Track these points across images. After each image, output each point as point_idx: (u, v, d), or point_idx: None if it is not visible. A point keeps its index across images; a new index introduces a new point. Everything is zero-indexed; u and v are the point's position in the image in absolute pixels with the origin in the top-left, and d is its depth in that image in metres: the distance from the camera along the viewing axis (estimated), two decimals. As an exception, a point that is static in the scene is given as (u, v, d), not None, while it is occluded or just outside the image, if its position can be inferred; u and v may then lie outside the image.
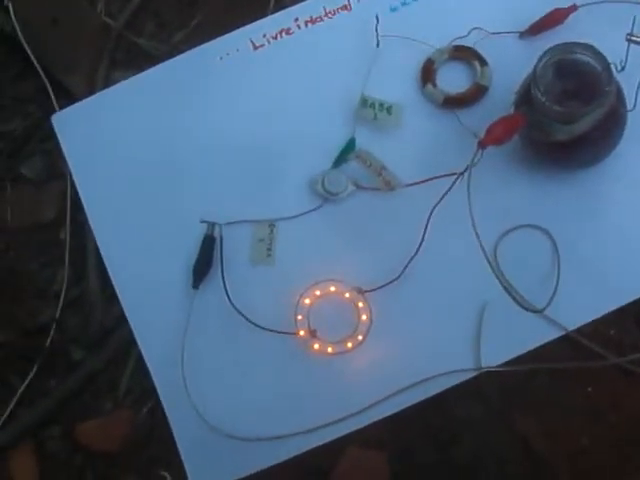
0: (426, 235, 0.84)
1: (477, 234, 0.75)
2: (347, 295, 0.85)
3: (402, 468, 0.82)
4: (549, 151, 0.82)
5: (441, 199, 0.83)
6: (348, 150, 0.89)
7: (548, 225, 0.85)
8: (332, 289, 0.85)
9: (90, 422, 0.89)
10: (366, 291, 0.84)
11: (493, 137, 0.77)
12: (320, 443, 0.83)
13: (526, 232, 0.85)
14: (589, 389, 0.82)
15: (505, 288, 0.77)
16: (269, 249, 0.88)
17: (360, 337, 0.84)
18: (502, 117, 0.79)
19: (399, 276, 0.84)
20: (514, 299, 0.76)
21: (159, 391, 0.87)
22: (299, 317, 0.85)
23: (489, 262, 0.76)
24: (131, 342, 0.89)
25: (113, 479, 0.88)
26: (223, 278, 0.87)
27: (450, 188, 0.82)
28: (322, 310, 0.85)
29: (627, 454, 0.80)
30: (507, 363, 0.82)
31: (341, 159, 0.89)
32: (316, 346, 0.84)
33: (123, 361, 0.90)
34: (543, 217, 0.86)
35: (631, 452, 0.80)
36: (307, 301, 0.85)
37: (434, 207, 0.83)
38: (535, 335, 0.83)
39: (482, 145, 0.76)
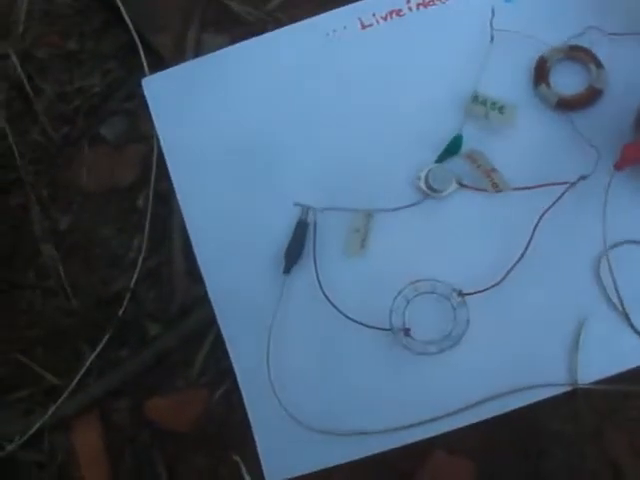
0: (532, 242, 0.82)
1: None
2: (446, 296, 0.83)
3: (488, 477, 0.81)
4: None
5: (551, 206, 0.81)
6: (454, 147, 0.86)
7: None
8: (431, 288, 0.83)
9: (161, 399, 0.87)
10: (466, 294, 0.82)
11: (629, 159, 0.74)
12: (404, 443, 0.82)
13: (633, 249, 0.83)
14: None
15: (612, 303, 0.75)
16: (364, 240, 0.86)
17: (455, 340, 0.82)
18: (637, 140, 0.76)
19: (501, 281, 0.82)
20: (621, 314, 0.75)
21: (238, 375, 0.85)
22: (394, 314, 0.82)
23: (597, 275, 0.75)
24: (210, 322, 0.86)
25: (181, 460, 0.86)
26: (315, 266, 0.84)
27: (560, 196, 0.80)
28: (418, 308, 0.83)
29: None
30: (604, 381, 0.80)
31: (445, 155, 0.86)
32: (409, 344, 0.82)
33: (200, 341, 0.88)
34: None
35: None
36: (404, 297, 0.83)
37: (542, 214, 0.81)
38: (635, 355, 0.81)
39: (618, 167, 0.74)
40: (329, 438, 0.83)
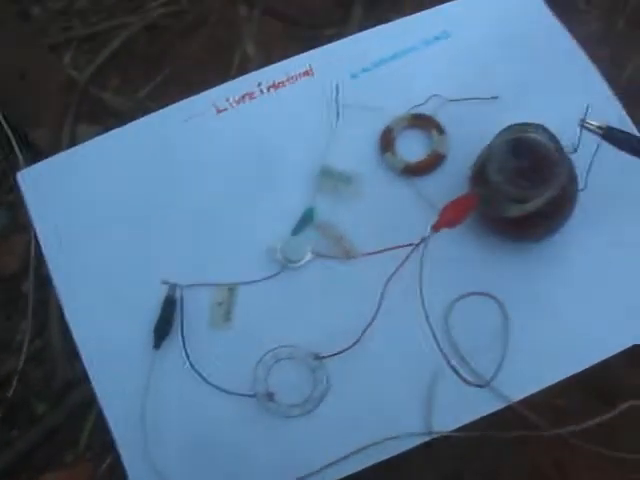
0: (382, 303, 0.87)
1: (424, 306, 0.79)
2: (304, 360, 0.87)
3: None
4: (501, 226, 0.85)
5: (396, 270, 0.86)
6: (307, 219, 0.92)
7: (499, 294, 0.88)
8: (290, 354, 0.87)
9: (50, 475, 0.90)
10: (323, 357, 0.86)
11: (446, 220, 0.79)
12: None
13: (478, 300, 0.88)
14: (534, 456, 0.85)
15: (448, 363, 0.80)
16: (228, 312, 0.90)
17: (316, 401, 0.86)
18: (454, 200, 0.81)
19: (354, 344, 0.86)
20: (457, 374, 0.80)
21: (119, 448, 0.88)
22: (257, 380, 0.87)
23: (434, 336, 0.80)
24: (93, 397, 0.90)
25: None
26: (183, 340, 0.89)
27: (405, 260, 0.85)
28: (280, 374, 0.87)
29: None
30: (458, 429, 0.84)
31: (300, 227, 0.92)
32: (273, 409, 0.86)
33: (84, 415, 0.91)
34: (495, 286, 0.88)
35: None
36: (264, 365, 0.87)
37: (390, 277, 0.86)
38: (482, 405, 0.85)
39: (435, 229, 0.79)
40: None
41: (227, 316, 0.90)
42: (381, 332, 0.87)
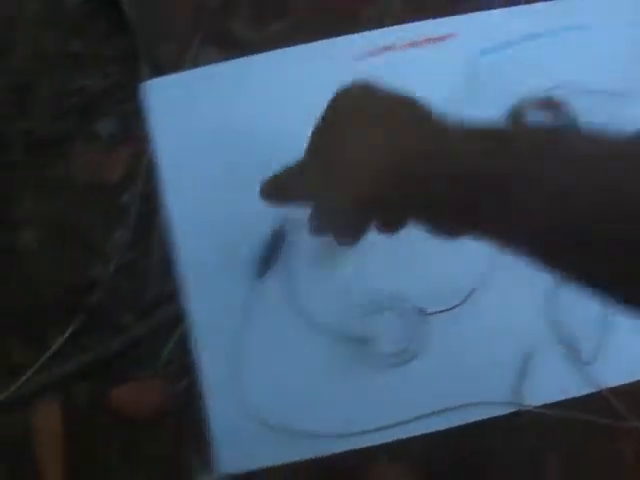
0: (494, 267, 0.87)
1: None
2: (409, 312, 0.87)
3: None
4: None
5: None
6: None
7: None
8: (394, 305, 0.87)
9: (124, 386, 0.90)
10: (428, 313, 0.86)
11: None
12: (351, 448, 0.85)
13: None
14: (618, 445, 0.85)
15: (561, 336, 0.80)
16: (335, 252, 0.90)
17: (412, 355, 0.86)
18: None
19: (462, 302, 0.86)
20: (564, 346, 0.80)
21: (200, 371, 0.88)
22: (357, 325, 0.87)
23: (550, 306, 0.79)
24: (179, 317, 0.89)
25: (137, 446, 0.88)
26: (288, 273, 0.89)
27: None
28: (381, 322, 0.87)
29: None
30: (546, 406, 0.85)
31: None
32: (368, 355, 0.86)
33: (168, 334, 0.91)
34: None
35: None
36: (367, 311, 0.87)
37: None
38: (577, 385, 0.85)
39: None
40: (281, 436, 0.86)
41: (335, 256, 0.90)
42: (489, 296, 0.87)
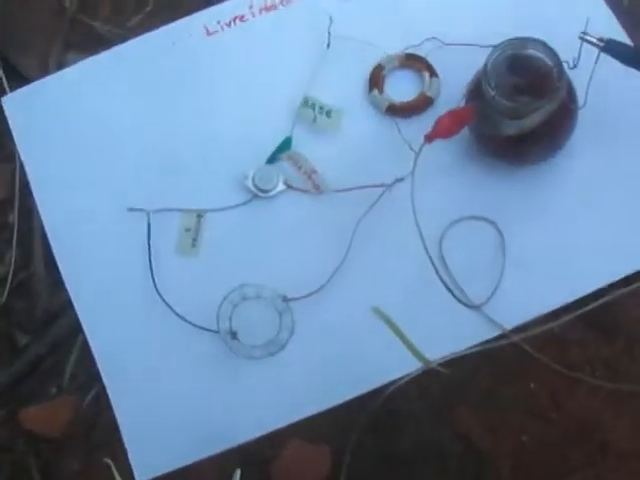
0: (354, 242, 0.84)
1: (420, 233, 0.75)
2: (271, 301, 0.84)
3: (344, 460, 0.82)
4: (498, 146, 0.82)
5: (368, 210, 0.84)
6: (283, 149, 0.89)
7: (495, 218, 0.85)
8: (257, 293, 0.84)
9: (34, 407, 0.88)
10: (290, 299, 0.84)
11: (440, 130, 0.77)
12: (260, 434, 0.83)
13: (472, 224, 0.85)
14: (531, 386, 0.82)
15: (443, 282, 0.77)
16: (195, 239, 0.88)
17: (280, 345, 0.84)
18: (450, 110, 0.78)
19: (323, 286, 0.84)
20: (452, 294, 0.77)
21: (104, 378, 0.86)
22: (221, 317, 0.84)
23: (428, 254, 0.76)
24: (76, 328, 0.88)
25: (56, 465, 0.87)
26: (151, 267, 0.87)
27: (377, 200, 0.84)
28: (245, 312, 0.84)
29: (565, 454, 0.80)
30: (450, 360, 0.81)
31: (275, 157, 0.89)
32: (235, 348, 0.84)
33: (68, 347, 0.89)
34: (491, 210, 0.85)
35: (569, 452, 0.80)
36: (230, 302, 0.84)
37: (362, 217, 0.84)
38: (475, 332, 0.82)
39: (428, 139, 0.76)
40: (192, 434, 0.84)
41: (194, 243, 0.88)
42: (351, 274, 0.84)
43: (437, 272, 0.78)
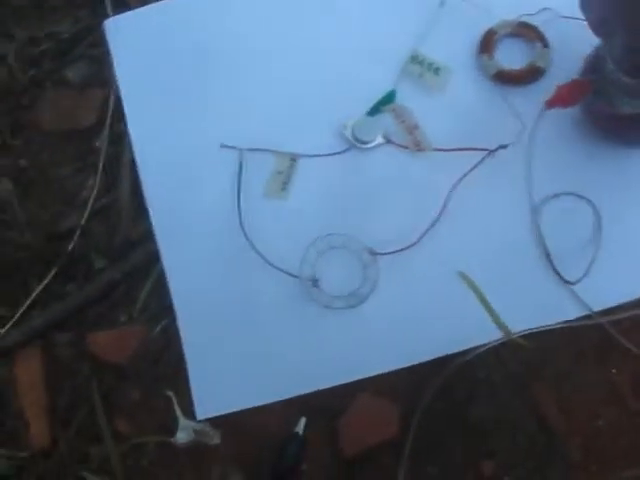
0: (448, 205, 0.83)
1: (531, 197, 0.74)
2: (358, 253, 0.83)
3: (412, 421, 0.81)
4: (610, 124, 0.81)
5: (467, 173, 0.83)
6: (386, 101, 0.88)
7: (596, 198, 0.83)
8: (344, 243, 0.83)
9: (102, 332, 0.88)
10: (378, 253, 0.83)
11: (560, 98, 0.75)
12: (330, 385, 0.82)
13: (572, 201, 0.84)
14: (613, 371, 0.80)
15: (544, 254, 0.76)
16: (285, 183, 0.87)
17: (362, 298, 0.83)
18: (569, 81, 0.77)
19: (413, 244, 0.82)
20: (551, 265, 0.76)
21: (176, 310, 0.86)
22: (305, 263, 0.83)
23: (536, 222, 0.75)
24: (153, 259, 0.87)
25: (118, 392, 0.87)
26: (239, 204, 0.86)
27: (477, 165, 0.82)
28: (329, 261, 0.84)
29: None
30: (532, 334, 0.80)
31: (377, 109, 0.88)
32: (316, 296, 0.83)
33: (143, 276, 0.89)
34: (592, 190, 0.83)
35: (644, 441, 0.79)
36: (315, 248, 0.83)
37: (460, 179, 0.83)
38: (562, 310, 0.81)
39: (549, 104, 0.75)
40: (260, 377, 0.83)
41: (284, 186, 0.87)
42: (442, 236, 0.83)
43: (541, 242, 0.76)
